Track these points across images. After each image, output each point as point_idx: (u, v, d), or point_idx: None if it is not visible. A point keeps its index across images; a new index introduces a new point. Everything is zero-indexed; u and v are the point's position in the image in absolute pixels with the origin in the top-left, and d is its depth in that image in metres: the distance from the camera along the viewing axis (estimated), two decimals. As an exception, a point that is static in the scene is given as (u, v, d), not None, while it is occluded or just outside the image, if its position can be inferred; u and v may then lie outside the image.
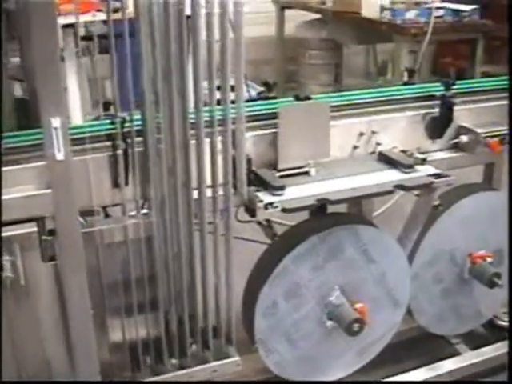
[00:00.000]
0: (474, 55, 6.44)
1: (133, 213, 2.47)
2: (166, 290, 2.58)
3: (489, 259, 3.23)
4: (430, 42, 5.63)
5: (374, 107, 2.91)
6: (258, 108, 2.68)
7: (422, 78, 5.93)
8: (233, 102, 2.43)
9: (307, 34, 7.24)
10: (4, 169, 2.27)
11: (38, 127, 2.36)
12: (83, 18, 4.53)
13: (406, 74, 3.33)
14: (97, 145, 2.40)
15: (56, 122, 2.00)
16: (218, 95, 2.41)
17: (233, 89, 2.43)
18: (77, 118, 5.02)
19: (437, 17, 5.73)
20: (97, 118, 2.70)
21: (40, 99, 2.04)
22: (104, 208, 2.52)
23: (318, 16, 7.01)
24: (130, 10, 2.39)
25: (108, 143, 2.41)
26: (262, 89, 5.91)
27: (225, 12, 2.33)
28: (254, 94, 5.95)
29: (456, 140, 3.07)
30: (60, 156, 2.04)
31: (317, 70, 7.24)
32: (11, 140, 2.44)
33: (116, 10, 2.41)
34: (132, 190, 2.43)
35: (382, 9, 5.77)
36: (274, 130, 2.60)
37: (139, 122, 2.37)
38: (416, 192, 2.90)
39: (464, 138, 3.05)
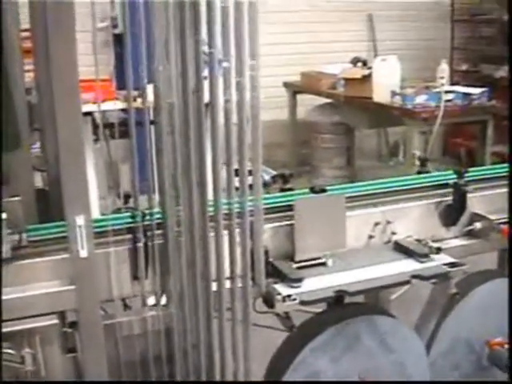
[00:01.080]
0: (485, 136, 6.52)
1: (152, 304, 2.50)
2: (185, 379, 2.58)
3: (506, 346, 3.22)
4: (441, 123, 5.72)
5: (389, 197, 2.96)
6: (275, 200, 2.74)
7: (433, 158, 6.01)
8: (250, 187, 2.48)
9: (319, 118, 7.38)
10: (27, 261, 2.32)
11: (58, 219, 2.43)
12: (103, 107, 4.68)
13: (418, 162, 3.38)
14: (117, 238, 2.45)
15: (80, 220, 2.06)
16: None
17: (250, 173, 2.48)
18: (94, 206, 5.08)
19: (447, 100, 5.83)
20: (117, 211, 2.76)
21: (65, 197, 2.11)
22: (123, 300, 2.55)
23: (329, 100, 7.15)
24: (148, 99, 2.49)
25: (128, 236, 2.46)
26: (275, 172, 5.98)
27: (242, 98, 2.41)
28: (267, 177, 6.01)
29: (470, 227, 3.09)
30: (84, 253, 2.09)
31: (329, 153, 7.35)
32: (34, 233, 2.50)
33: (133, 99, 2.50)
34: (151, 281, 2.47)
35: (393, 94, 5.89)
36: (291, 222, 2.64)
37: (159, 215, 2.43)
38: (432, 280, 2.91)
39: (478, 225, 3.08)
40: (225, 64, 2.43)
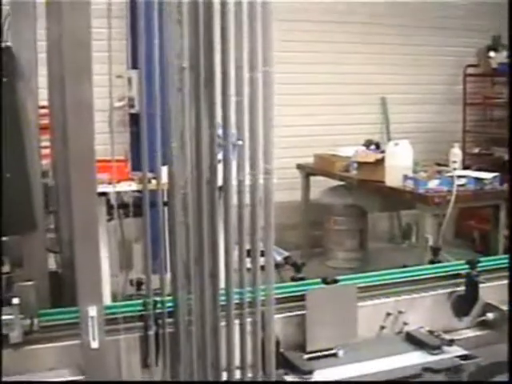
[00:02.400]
0: (497, 220, 6.51)
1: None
2: None
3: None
4: (453, 207, 5.72)
5: (401, 287, 2.96)
6: (287, 290, 2.74)
7: (445, 241, 6.00)
8: (262, 268, 2.49)
9: (332, 200, 7.42)
10: (37, 347, 2.33)
11: (70, 303, 2.45)
12: (118, 188, 4.74)
13: (430, 251, 3.39)
14: (128, 325, 2.45)
15: (93, 310, 2.07)
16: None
17: (262, 254, 2.50)
18: (105, 286, 5.08)
19: (459, 185, 5.85)
20: (129, 297, 2.78)
21: (78, 286, 2.13)
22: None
23: (342, 183, 7.20)
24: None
25: (139, 324, 2.46)
26: (287, 254, 5.98)
27: (256, 180, 2.44)
28: (279, 258, 6.00)
29: (482, 318, 3.08)
30: (95, 344, 2.09)
31: (342, 235, 7.36)
32: (46, 318, 2.51)
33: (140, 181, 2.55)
34: (161, 370, 2.46)
35: (406, 178, 5.92)
36: (302, 312, 2.64)
37: (170, 304, 2.44)
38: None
39: (490, 316, 3.07)
40: (239, 142, 2.48)
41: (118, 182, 4.88)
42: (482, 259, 3.18)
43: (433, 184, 5.86)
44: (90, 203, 2.40)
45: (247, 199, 2.48)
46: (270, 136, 2.50)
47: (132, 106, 6.63)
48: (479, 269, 3.09)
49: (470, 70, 8.95)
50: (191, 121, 2.48)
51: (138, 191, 4.70)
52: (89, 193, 2.40)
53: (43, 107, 3.56)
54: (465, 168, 6.58)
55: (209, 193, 2.45)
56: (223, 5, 2.43)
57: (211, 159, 2.46)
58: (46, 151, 3.77)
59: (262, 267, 2.49)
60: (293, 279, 2.92)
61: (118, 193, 4.87)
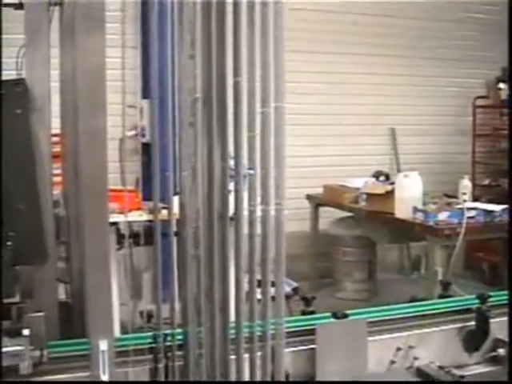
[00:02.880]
0: (506, 252, 6.48)
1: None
2: None
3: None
4: (463, 239, 5.71)
5: (411, 322, 2.95)
6: (297, 324, 2.74)
7: (454, 273, 5.98)
8: (273, 299, 2.48)
9: (341, 231, 7.42)
10: (46, 378, 2.33)
11: (80, 333, 2.45)
12: (129, 217, 4.75)
13: (440, 286, 3.39)
14: (138, 357, 2.45)
15: (103, 344, 2.07)
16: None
17: (273, 284, 2.50)
18: (115, 316, 5.07)
19: (469, 217, 5.84)
20: (139, 329, 2.78)
21: (89, 319, 2.13)
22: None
23: (351, 214, 7.20)
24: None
25: (149, 356, 2.46)
26: (296, 285, 5.96)
27: (267, 211, 2.45)
28: (288, 289, 5.98)
29: (493, 353, 3.06)
30: (105, 377, 2.09)
31: (351, 266, 7.35)
32: (55, 349, 2.51)
33: (151, 211, 2.56)
34: (171, 403, 2.46)
35: (415, 210, 5.92)
36: (312, 346, 2.63)
37: (180, 336, 2.44)
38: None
39: (501, 351, 3.05)
40: (251, 171, 2.50)
41: (129, 211, 4.90)
42: (492, 294, 3.17)
43: (443, 216, 5.85)
44: (101, 233, 2.41)
45: (258, 229, 2.49)
46: (281, 169, 2.52)
47: (143, 136, 6.66)
48: (490, 303, 3.07)
49: (480, 102, 8.98)
50: (203, 152, 2.50)
51: (149, 221, 4.72)
52: (101, 223, 2.42)
53: (55, 135, 3.60)
54: (474, 199, 6.58)
55: (220, 223, 2.46)
56: (236, 38, 2.47)
57: (223, 190, 2.48)
58: (57, 179, 3.81)
59: (272, 298, 2.50)
60: (303, 313, 2.91)
61: (128, 222, 4.89)
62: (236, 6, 2.44)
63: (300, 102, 7.24)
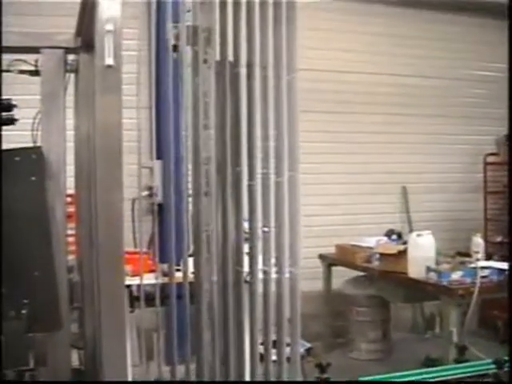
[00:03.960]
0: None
1: None
2: None
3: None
4: (477, 298, 5.66)
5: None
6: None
7: (469, 331, 5.92)
8: (288, 360, 2.46)
9: (354, 291, 7.38)
10: None
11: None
12: (136, 281, 4.74)
13: (455, 350, 3.35)
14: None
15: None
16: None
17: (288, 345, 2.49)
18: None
19: (482, 276, 5.81)
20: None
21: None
22: None
23: (364, 273, 7.17)
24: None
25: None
26: (309, 345, 5.91)
27: (282, 271, 2.46)
28: (301, 350, 5.92)
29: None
30: None
31: (364, 326, 7.29)
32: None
33: (167, 274, 2.57)
34: None
35: (428, 270, 5.89)
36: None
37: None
38: None
39: (519, 418, 3.00)
40: (265, 229, 2.51)
41: (136, 275, 4.88)
42: (508, 358, 3.13)
43: (456, 276, 5.82)
44: (118, 299, 2.41)
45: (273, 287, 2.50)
46: (296, 234, 2.53)
47: (156, 196, 6.70)
48: (506, 369, 3.03)
49: (490, 159, 9.00)
50: (217, 218, 2.53)
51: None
52: (117, 288, 2.41)
53: (69, 195, 3.63)
54: (487, 257, 6.54)
55: (235, 284, 2.47)
56: (250, 108, 2.51)
57: (237, 251, 2.50)
58: (71, 239, 3.82)
59: (287, 359, 2.48)
60: (319, 382, 2.88)
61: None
62: (250, 76, 2.49)
63: (312, 162, 7.29)
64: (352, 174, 8.16)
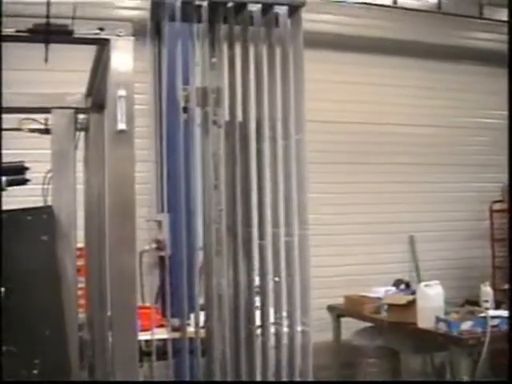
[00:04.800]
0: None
1: None
2: None
3: None
4: (488, 347, 5.62)
5: None
6: None
7: (479, 379, 5.86)
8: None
9: (363, 342, 7.32)
10: None
11: None
12: (148, 335, 4.73)
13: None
14: None
15: None
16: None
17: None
18: None
19: (492, 326, 5.77)
20: None
21: None
22: None
23: (373, 324, 7.13)
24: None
25: None
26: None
27: (293, 328, 2.46)
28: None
29: None
30: None
31: (374, 376, 7.22)
32: None
33: (177, 329, 2.57)
34: None
35: (438, 320, 5.86)
36: None
37: None
38: None
39: None
40: (276, 279, 2.53)
41: (148, 330, 4.87)
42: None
43: (466, 326, 5.79)
44: (130, 356, 2.41)
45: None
46: (306, 290, 2.54)
47: (163, 249, 6.70)
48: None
49: (497, 206, 9.02)
50: (229, 275, 2.54)
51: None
52: (129, 344, 2.42)
53: (79, 249, 3.65)
54: (496, 304, 6.51)
55: (247, 338, 2.47)
56: (260, 168, 2.54)
57: (248, 305, 2.51)
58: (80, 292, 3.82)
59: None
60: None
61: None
62: (259, 136, 2.53)
63: (318, 213, 7.31)
64: (359, 224, 8.19)
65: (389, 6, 7.90)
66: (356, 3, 7.73)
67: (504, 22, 7.73)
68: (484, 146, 9.08)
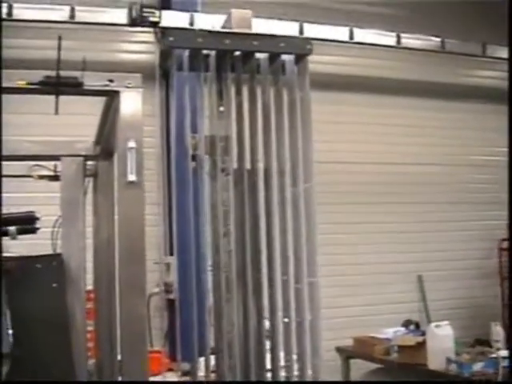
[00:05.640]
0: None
1: None
2: None
3: None
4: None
5: None
6: None
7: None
8: None
9: (374, 384, 7.30)
10: None
11: None
12: (157, 379, 4.71)
13: None
14: None
15: None
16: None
17: None
18: None
19: (504, 367, 5.72)
20: None
21: None
22: None
23: (383, 366, 7.07)
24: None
25: None
26: None
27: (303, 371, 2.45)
28: None
29: None
30: None
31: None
32: None
33: (187, 373, 2.56)
34: None
35: (449, 361, 5.81)
36: None
37: None
38: None
39: None
40: (285, 320, 2.53)
41: (156, 374, 4.86)
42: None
43: (477, 367, 5.75)
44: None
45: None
46: (318, 341, 2.54)
47: (170, 292, 6.69)
48: None
49: (505, 244, 8.98)
50: (239, 317, 2.55)
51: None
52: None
53: (88, 292, 3.65)
54: (507, 343, 6.46)
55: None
56: (268, 216, 2.56)
57: (259, 349, 2.51)
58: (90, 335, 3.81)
59: None
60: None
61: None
62: (268, 185, 2.55)
63: (326, 253, 7.30)
64: (367, 264, 8.16)
65: (393, 47, 7.98)
66: (359, 43, 7.80)
67: (505, 59, 7.81)
68: (490, 183, 9.08)
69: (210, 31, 2.71)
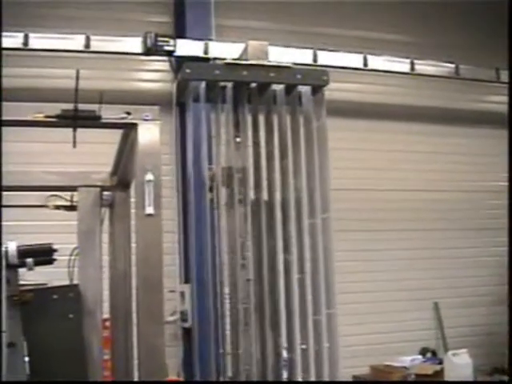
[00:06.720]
0: None
1: None
2: None
3: None
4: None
5: None
6: None
7: None
8: None
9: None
10: None
11: None
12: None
13: None
14: None
15: None
16: None
17: None
18: None
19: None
20: None
21: None
22: None
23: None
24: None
25: None
26: None
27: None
28: None
29: None
30: None
31: None
32: None
33: None
34: None
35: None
36: None
37: None
38: None
39: None
40: (303, 346, 2.52)
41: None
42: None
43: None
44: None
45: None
46: (336, 370, 2.53)
47: (184, 321, 6.68)
48: None
49: (520, 269, 8.92)
50: (256, 348, 2.54)
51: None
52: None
53: (105, 320, 3.64)
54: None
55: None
56: (286, 247, 2.56)
57: (276, 379, 2.50)
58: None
59: None
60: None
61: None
62: (285, 217, 2.55)
63: (342, 281, 7.26)
64: (383, 291, 8.10)
65: (407, 73, 7.99)
66: (373, 70, 7.81)
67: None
68: (504, 209, 9.02)
69: (227, 63, 2.71)
